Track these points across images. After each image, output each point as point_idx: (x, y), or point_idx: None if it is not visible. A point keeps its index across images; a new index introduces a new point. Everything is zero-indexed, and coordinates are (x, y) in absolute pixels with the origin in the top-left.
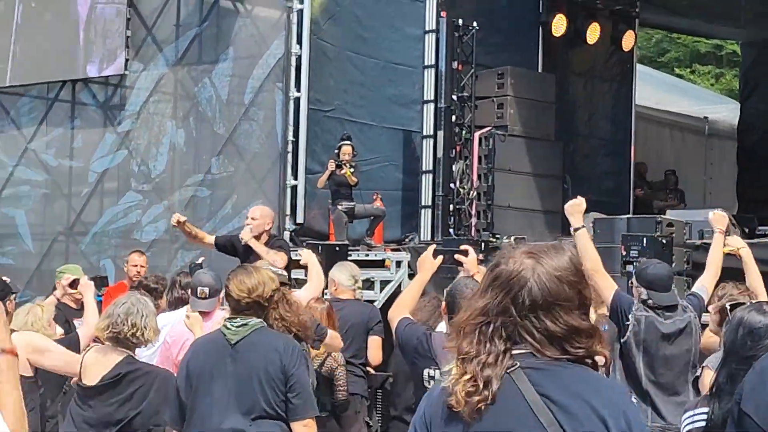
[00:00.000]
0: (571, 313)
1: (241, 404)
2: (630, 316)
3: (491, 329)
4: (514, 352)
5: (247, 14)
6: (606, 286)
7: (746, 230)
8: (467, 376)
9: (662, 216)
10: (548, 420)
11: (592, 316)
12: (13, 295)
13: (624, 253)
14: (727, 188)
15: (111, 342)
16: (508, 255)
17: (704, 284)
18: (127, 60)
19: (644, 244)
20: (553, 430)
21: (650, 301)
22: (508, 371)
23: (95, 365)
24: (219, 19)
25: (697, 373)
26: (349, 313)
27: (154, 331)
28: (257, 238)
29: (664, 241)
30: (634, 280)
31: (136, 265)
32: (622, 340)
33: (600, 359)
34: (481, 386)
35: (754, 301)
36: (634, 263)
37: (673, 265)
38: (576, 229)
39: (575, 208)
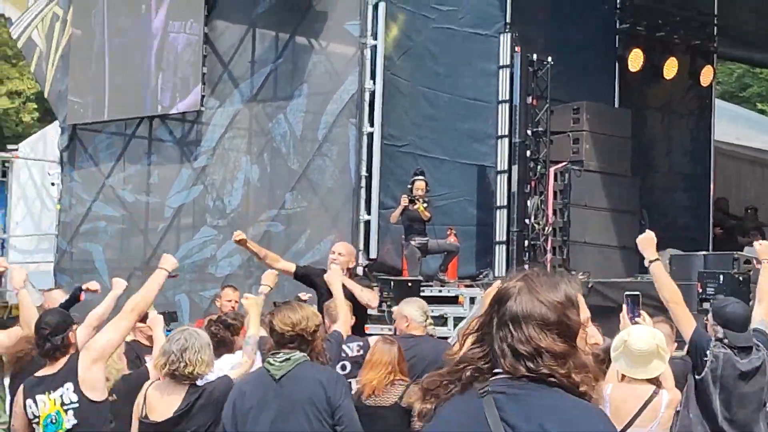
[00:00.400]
0: (544, 332)
1: None
2: (708, 353)
3: (478, 342)
4: (493, 375)
5: (321, 51)
6: (686, 319)
7: None
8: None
9: (739, 253)
10: None
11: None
12: (75, 326)
13: (700, 290)
14: None
15: (169, 378)
16: (509, 277)
17: (763, 317)
18: (203, 96)
19: (721, 282)
20: None
21: (726, 340)
22: (480, 394)
23: (161, 402)
24: (294, 55)
25: None
26: (426, 351)
27: (208, 365)
28: None
29: (741, 278)
30: (710, 317)
31: (231, 300)
32: (698, 377)
33: (585, 387)
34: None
35: None
36: (711, 300)
37: (750, 303)
38: (651, 262)
39: (647, 242)
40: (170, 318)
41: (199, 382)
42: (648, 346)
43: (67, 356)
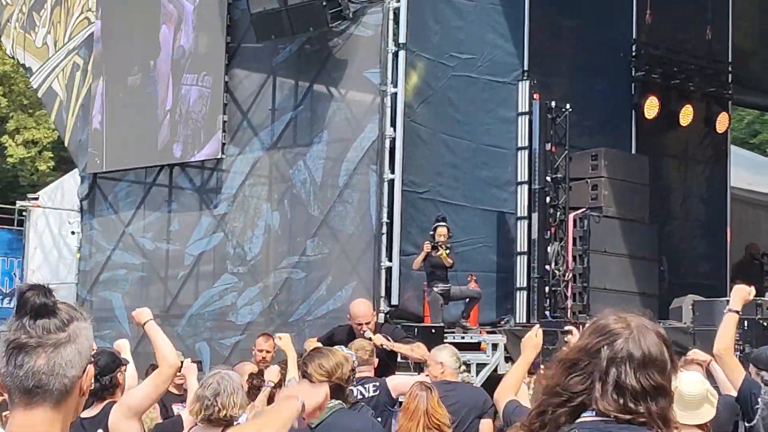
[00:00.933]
0: (654, 373)
1: None
2: (759, 400)
3: (578, 373)
4: (582, 418)
5: (341, 98)
6: (737, 368)
7: None
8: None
9: (762, 299)
10: None
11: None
12: (124, 367)
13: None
14: None
15: (205, 423)
16: (603, 314)
17: None
18: (223, 144)
19: (745, 327)
20: None
21: None
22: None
23: None
24: (313, 103)
25: None
26: (464, 397)
27: (241, 407)
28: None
29: (765, 323)
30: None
31: (262, 350)
32: (749, 425)
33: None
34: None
35: None
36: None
37: None
38: (729, 310)
39: (741, 294)
40: (197, 368)
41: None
42: (699, 391)
43: (107, 402)
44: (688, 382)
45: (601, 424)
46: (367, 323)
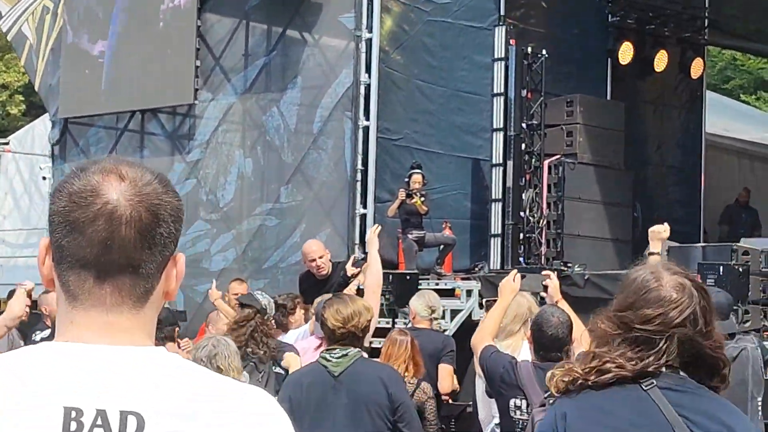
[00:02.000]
0: (712, 326)
1: None
2: None
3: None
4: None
5: (314, 44)
6: None
7: None
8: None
9: (738, 244)
10: None
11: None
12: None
13: (699, 281)
14: None
15: None
16: (643, 269)
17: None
18: (196, 89)
19: (720, 273)
20: None
21: None
22: (644, 387)
23: None
24: (286, 48)
25: None
26: (423, 342)
27: (238, 371)
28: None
29: (740, 269)
30: None
31: (237, 294)
32: None
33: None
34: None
35: None
36: None
37: (750, 293)
38: (650, 254)
39: (657, 234)
40: (180, 317)
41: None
42: None
43: None
44: None
45: (676, 379)
46: (320, 257)
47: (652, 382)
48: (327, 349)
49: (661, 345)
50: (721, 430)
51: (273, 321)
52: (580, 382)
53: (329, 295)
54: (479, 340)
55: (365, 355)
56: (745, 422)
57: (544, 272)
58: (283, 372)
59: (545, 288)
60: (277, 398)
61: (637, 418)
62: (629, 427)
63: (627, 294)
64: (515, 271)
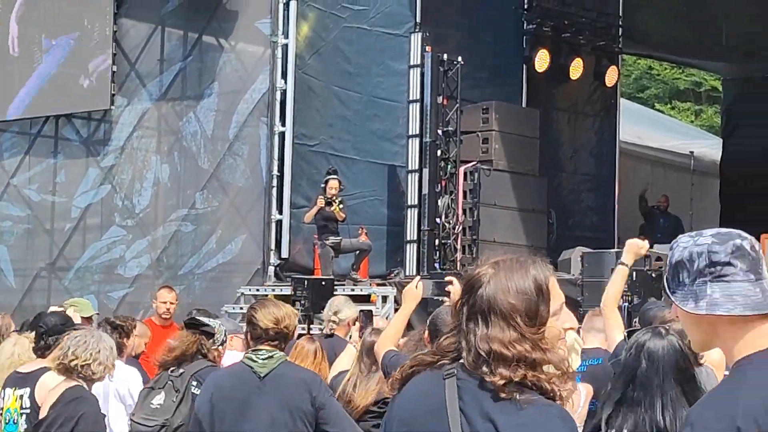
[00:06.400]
0: (511, 323)
1: None
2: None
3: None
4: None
5: (231, 49)
6: (616, 327)
7: None
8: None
9: (651, 250)
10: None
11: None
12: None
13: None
14: (711, 224)
15: (61, 373)
16: (479, 263)
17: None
18: (112, 95)
19: (634, 278)
20: None
21: None
22: (446, 374)
23: (48, 396)
24: (203, 54)
25: None
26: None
27: (105, 367)
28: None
29: (653, 275)
30: (637, 321)
31: (165, 302)
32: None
33: (549, 386)
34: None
35: None
36: (624, 297)
37: (663, 299)
38: (620, 263)
39: (634, 247)
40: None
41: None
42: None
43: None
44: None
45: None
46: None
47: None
48: (253, 350)
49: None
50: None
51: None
52: None
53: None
54: (381, 347)
55: (288, 359)
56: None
57: (447, 278)
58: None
59: (448, 294)
60: (197, 399)
61: None
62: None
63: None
64: (418, 277)
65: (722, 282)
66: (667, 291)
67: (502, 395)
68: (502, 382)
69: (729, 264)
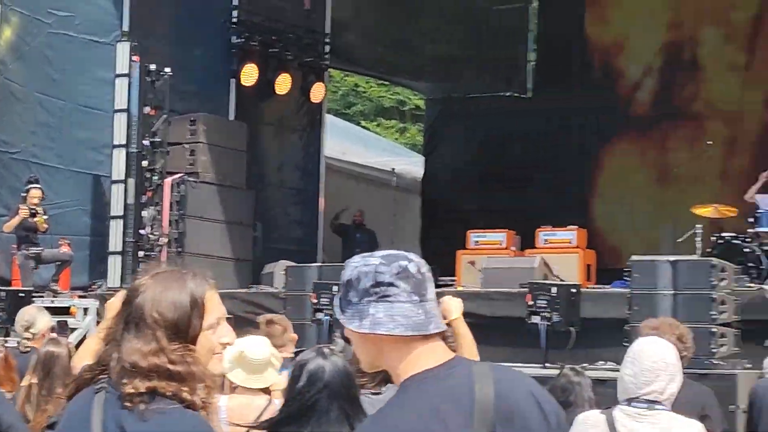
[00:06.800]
0: (158, 334)
1: None
2: None
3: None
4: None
5: None
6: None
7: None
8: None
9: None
10: None
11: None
12: None
13: (315, 301)
14: (412, 240)
15: None
16: (143, 274)
17: None
18: None
19: (334, 292)
20: None
21: None
22: (96, 389)
23: None
24: None
25: None
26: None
27: None
28: None
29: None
30: None
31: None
32: None
33: (192, 398)
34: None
35: None
36: (325, 311)
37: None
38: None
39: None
40: None
41: None
42: (264, 356)
43: None
44: (253, 347)
45: None
46: None
47: None
48: None
49: None
50: None
51: None
52: None
53: None
54: (78, 360)
55: None
56: None
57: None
58: None
59: None
60: None
61: None
62: None
63: None
64: (123, 291)
65: (386, 302)
66: (338, 310)
67: (129, 405)
68: (131, 391)
69: (392, 285)
